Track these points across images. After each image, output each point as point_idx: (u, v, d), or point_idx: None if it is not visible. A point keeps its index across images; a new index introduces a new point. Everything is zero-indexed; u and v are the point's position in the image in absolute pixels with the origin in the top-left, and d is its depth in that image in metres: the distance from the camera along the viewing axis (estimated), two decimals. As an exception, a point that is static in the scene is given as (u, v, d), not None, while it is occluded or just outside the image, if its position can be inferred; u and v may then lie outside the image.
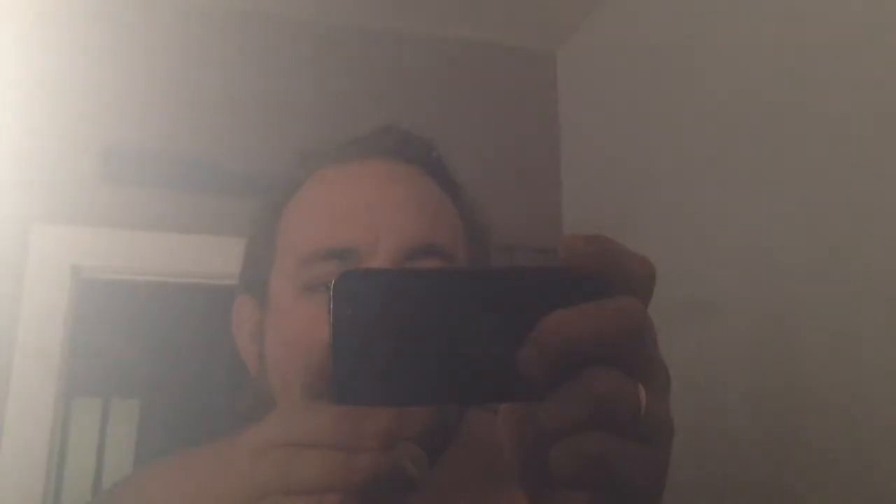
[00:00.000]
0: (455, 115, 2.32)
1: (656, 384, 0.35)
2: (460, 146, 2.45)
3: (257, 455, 0.37)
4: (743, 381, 1.53)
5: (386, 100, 2.25)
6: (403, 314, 0.35)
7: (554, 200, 2.34)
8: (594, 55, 2.28)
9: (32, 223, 1.95)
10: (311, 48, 2.25)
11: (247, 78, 2.17)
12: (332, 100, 2.19)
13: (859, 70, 1.32)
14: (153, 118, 2.07)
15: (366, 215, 0.64)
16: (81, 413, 3.27)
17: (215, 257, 1.91)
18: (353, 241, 0.63)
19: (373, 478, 0.34)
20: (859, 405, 1.26)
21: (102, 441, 3.47)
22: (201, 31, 2.17)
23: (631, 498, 0.33)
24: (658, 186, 1.88)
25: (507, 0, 2.22)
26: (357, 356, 0.35)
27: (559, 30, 2.36)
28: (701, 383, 1.60)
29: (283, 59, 2.21)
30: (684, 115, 1.81)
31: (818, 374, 1.35)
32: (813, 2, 1.44)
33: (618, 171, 2.08)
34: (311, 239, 0.65)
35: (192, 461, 0.69)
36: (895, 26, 1.26)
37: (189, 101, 2.11)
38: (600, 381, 0.33)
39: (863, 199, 1.29)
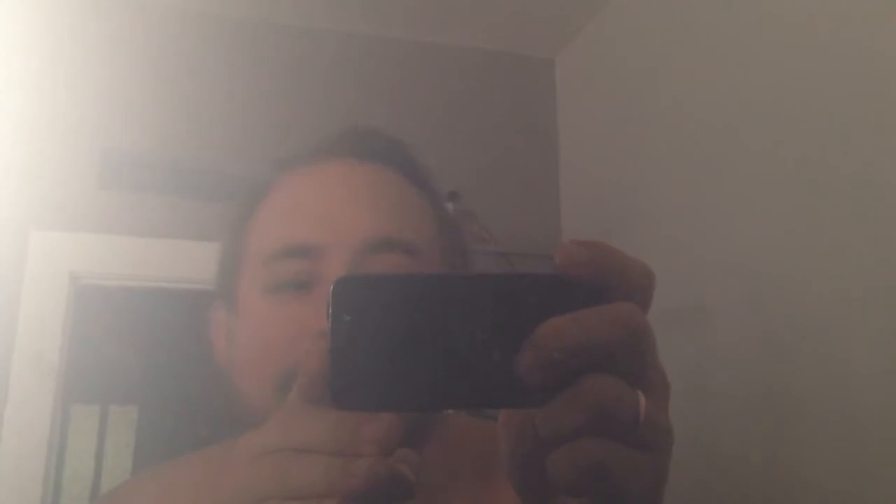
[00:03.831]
0: (454, 121, 2.32)
1: (655, 391, 0.35)
2: (459, 152, 2.46)
3: (254, 460, 0.36)
4: (740, 387, 1.53)
5: (385, 106, 2.26)
6: (402, 320, 0.35)
7: (553, 207, 2.34)
8: (592, 61, 2.28)
9: (31, 230, 1.95)
10: (311, 54, 2.25)
11: (244, 84, 2.17)
12: (331, 105, 2.19)
13: (858, 78, 1.32)
14: (151, 125, 2.07)
15: (325, 212, 0.65)
16: (79, 419, 3.27)
17: (213, 263, 1.91)
18: (311, 238, 0.63)
19: (370, 483, 0.34)
20: (855, 410, 1.26)
21: (100, 447, 3.46)
22: (199, 37, 2.17)
23: None
24: (656, 193, 1.88)
25: (505, 7, 2.22)
26: (355, 361, 0.35)
27: (557, 36, 2.36)
28: (699, 389, 1.60)
29: (283, 65, 2.21)
30: (682, 122, 1.81)
31: (815, 378, 1.35)
32: (811, 12, 1.44)
33: (616, 178, 2.08)
34: (271, 239, 0.65)
35: (189, 467, 0.69)
36: (890, 41, 1.26)
37: (187, 107, 2.11)
38: (598, 388, 0.33)
39: (858, 206, 1.30)
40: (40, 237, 1.95)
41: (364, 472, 0.34)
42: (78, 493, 3.21)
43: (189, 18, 2.17)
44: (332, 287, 0.35)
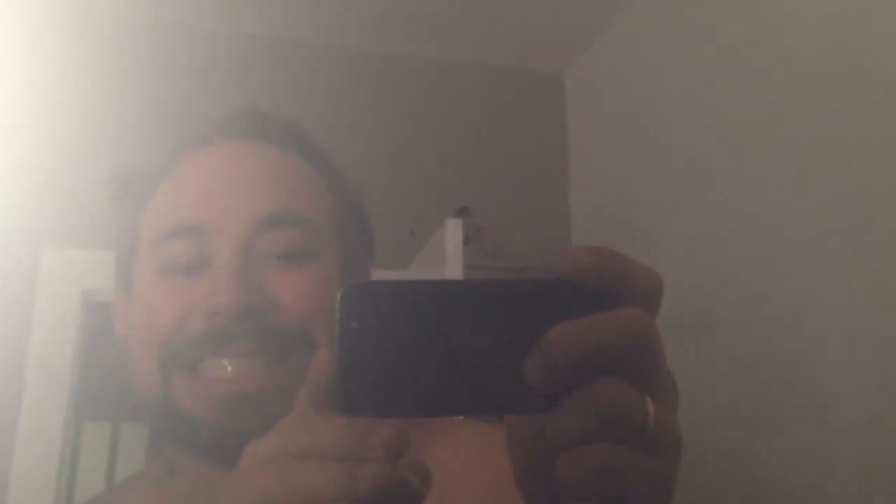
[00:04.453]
0: (463, 136, 2.33)
1: (664, 396, 0.35)
2: (469, 168, 2.45)
3: (261, 465, 0.36)
4: (744, 393, 1.53)
5: (395, 122, 2.27)
6: (409, 325, 0.35)
7: (563, 221, 2.34)
8: (601, 76, 2.29)
9: (43, 247, 1.96)
10: (323, 72, 2.26)
11: (258, 101, 2.18)
12: (339, 121, 2.20)
13: (868, 93, 1.32)
14: (163, 141, 2.08)
15: (213, 192, 0.65)
16: (91, 437, 3.27)
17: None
18: (198, 217, 0.64)
19: (376, 489, 0.34)
20: (859, 415, 1.27)
21: (112, 465, 3.46)
22: (211, 54, 2.19)
23: None
24: (666, 206, 1.88)
25: (513, 22, 2.23)
26: (364, 368, 0.35)
27: (566, 51, 2.37)
28: (704, 396, 1.60)
29: (296, 82, 2.23)
30: (691, 135, 1.81)
31: (817, 383, 1.36)
32: (825, 28, 1.44)
33: (626, 192, 2.08)
34: (161, 219, 0.66)
35: (194, 472, 0.68)
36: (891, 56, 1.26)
37: (198, 123, 2.12)
38: (607, 394, 0.33)
39: (864, 212, 1.31)
40: (52, 254, 1.96)
41: (370, 478, 0.34)
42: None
43: (202, 37, 2.19)
44: (339, 294, 0.35)
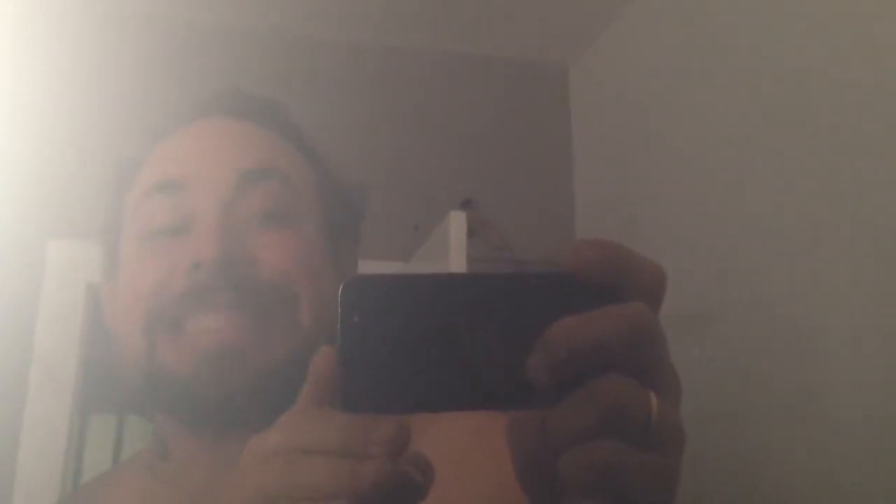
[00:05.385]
0: (468, 129, 2.32)
1: (667, 392, 0.35)
2: (473, 160, 2.45)
3: (262, 461, 0.36)
4: (746, 390, 1.53)
5: (400, 115, 2.26)
6: (410, 320, 0.35)
7: (567, 214, 2.34)
8: (606, 70, 2.28)
9: (48, 239, 1.97)
10: (330, 66, 2.26)
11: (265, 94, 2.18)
12: (346, 115, 2.20)
13: (873, 95, 1.33)
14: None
15: (192, 152, 0.67)
16: (97, 430, 3.28)
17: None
18: (179, 173, 0.65)
19: (378, 485, 0.33)
20: (859, 413, 1.27)
21: (118, 458, 3.47)
22: (218, 47, 2.18)
23: None
24: (670, 199, 1.88)
25: (519, 15, 2.23)
26: (365, 363, 0.34)
27: (571, 44, 2.36)
28: (706, 393, 1.60)
29: (303, 76, 2.22)
30: (695, 129, 1.81)
31: (818, 382, 1.36)
32: (832, 25, 1.44)
33: (630, 186, 2.08)
34: (142, 181, 0.67)
35: (185, 455, 0.67)
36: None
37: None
38: (609, 389, 0.33)
39: (865, 209, 1.31)
40: (58, 246, 1.96)
41: (372, 474, 0.34)
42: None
43: (203, 31, 2.19)
44: (340, 288, 0.35)
